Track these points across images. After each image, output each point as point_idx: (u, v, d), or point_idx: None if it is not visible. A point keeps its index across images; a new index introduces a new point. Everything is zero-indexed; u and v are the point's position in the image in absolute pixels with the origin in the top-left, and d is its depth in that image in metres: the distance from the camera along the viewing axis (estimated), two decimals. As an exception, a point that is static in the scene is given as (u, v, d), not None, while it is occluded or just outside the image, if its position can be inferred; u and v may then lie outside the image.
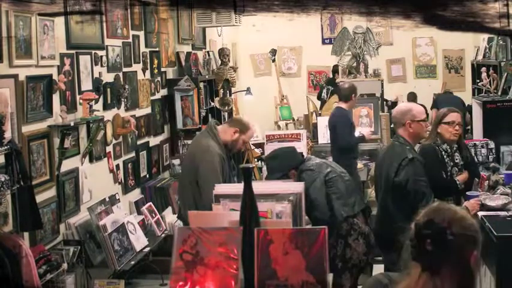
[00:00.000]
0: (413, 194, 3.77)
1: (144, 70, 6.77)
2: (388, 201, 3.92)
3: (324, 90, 9.91)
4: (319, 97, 10.02)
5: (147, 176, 6.76)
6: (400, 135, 4.03)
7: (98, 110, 5.47)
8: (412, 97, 10.44)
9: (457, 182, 4.27)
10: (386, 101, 10.25)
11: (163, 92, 7.37)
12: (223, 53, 8.64)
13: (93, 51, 5.57)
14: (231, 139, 4.46)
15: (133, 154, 6.41)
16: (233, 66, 9.21)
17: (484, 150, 5.85)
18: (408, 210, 3.78)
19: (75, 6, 4.88)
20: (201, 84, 7.85)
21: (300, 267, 2.21)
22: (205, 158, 4.28)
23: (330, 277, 2.27)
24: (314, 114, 8.50)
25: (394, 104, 10.55)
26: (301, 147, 5.35)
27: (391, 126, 7.82)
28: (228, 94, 8.72)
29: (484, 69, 8.07)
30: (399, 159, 3.84)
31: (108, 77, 5.86)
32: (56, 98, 4.91)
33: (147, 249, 5.54)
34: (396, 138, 4.06)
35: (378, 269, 4.17)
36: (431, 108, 9.38)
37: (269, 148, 5.34)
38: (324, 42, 11.33)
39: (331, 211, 4.09)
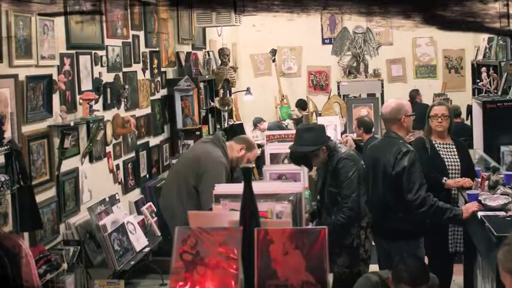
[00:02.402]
0: (407, 184, 3.94)
1: (144, 70, 6.77)
2: (387, 194, 4.07)
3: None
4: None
5: (147, 176, 6.76)
6: (391, 131, 4.19)
7: (98, 110, 5.47)
8: (415, 94, 10.42)
9: (443, 182, 4.39)
10: None
11: (163, 92, 7.37)
12: (223, 53, 8.64)
13: (93, 51, 5.57)
14: (237, 155, 4.65)
15: (133, 154, 6.41)
16: (233, 66, 9.21)
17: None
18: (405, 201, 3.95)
19: (75, 6, 4.88)
20: (201, 84, 7.85)
21: (300, 267, 2.21)
22: (213, 167, 4.42)
23: (330, 277, 2.27)
24: (314, 114, 8.50)
25: None
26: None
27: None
28: (228, 94, 8.72)
29: (484, 69, 8.07)
30: (395, 153, 4.00)
31: (108, 77, 5.86)
32: (56, 98, 4.91)
33: (147, 249, 5.54)
34: (388, 134, 4.24)
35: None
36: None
37: (269, 148, 5.32)
38: (324, 42, 11.33)
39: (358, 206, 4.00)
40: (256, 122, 9.60)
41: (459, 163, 4.54)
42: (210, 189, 4.04)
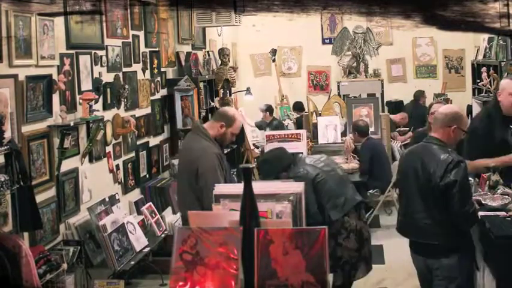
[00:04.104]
0: (459, 197, 3.59)
1: (144, 70, 6.77)
2: (434, 206, 3.71)
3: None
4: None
5: (147, 176, 6.75)
6: (435, 137, 3.82)
7: (98, 110, 5.46)
8: (419, 94, 10.43)
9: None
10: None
11: (163, 92, 7.37)
12: (223, 53, 8.64)
13: (93, 51, 5.57)
14: (218, 134, 4.44)
15: (133, 154, 6.41)
16: (233, 66, 9.22)
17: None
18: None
19: (75, 6, 4.88)
20: (201, 84, 7.85)
21: (300, 267, 2.21)
22: (203, 161, 4.27)
23: (330, 277, 2.27)
24: (314, 114, 8.50)
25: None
26: (301, 147, 5.34)
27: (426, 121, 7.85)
28: (228, 94, 8.72)
29: (484, 69, 8.07)
30: (444, 161, 3.64)
31: (108, 77, 5.86)
32: (55, 98, 4.91)
33: (147, 249, 5.54)
34: (431, 140, 3.82)
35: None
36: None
37: (269, 148, 5.33)
38: (324, 42, 11.33)
39: (322, 213, 4.08)
40: (266, 109, 9.74)
41: None
42: (207, 183, 4.04)
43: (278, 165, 4.35)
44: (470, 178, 4.03)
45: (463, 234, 3.72)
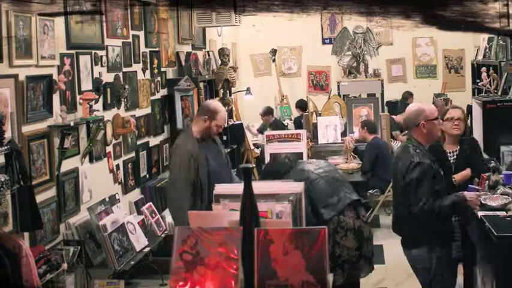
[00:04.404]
0: (413, 195, 3.83)
1: (144, 70, 6.77)
2: (402, 202, 3.98)
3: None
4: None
5: (147, 176, 6.76)
6: (413, 137, 4.00)
7: (98, 110, 5.47)
8: (408, 95, 10.45)
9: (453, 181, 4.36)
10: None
11: (163, 92, 7.37)
12: (223, 53, 8.64)
13: (93, 51, 5.57)
14: (203, 127, 4.48)
15: (133, 154, 6.41)
16: (233, 66, 9.21)
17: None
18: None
19: (75, 6, 4.87)
20: (201, 84, 7.85)
21: (300, 267, 2.21)
22: (171, 157, 4.43)
23: (330, 277, 2.27)
24: (314, 114, 8.50)
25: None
26: (301, 147, 5.33)
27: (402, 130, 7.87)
28: (228, 94, 8.72)
29: (484, 69, 8.07)
30: (408, 162, 3.87)
31: (108, 77, 5.86)
32: (56, 98, 4.91)
33: (147, 249, 5.54)
34: (409, 140, 4.01)
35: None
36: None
37: (269, 148, 5.32)
38: (324, 42, 11.34)
39: (316, 215, 4.10)
40: (265, 113, 9.68)
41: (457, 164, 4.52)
42: (173, 181, 4.12)
43: (278, 177, 4.33)
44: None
45: (429, 227, 3.89)
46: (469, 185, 4.23)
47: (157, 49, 7.15)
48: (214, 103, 4.72)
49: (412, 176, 3.82)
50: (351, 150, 7.28)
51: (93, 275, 5.03)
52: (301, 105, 10.09)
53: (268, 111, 9.85)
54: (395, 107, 10.52)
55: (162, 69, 7.34)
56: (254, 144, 9.46)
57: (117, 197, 5.63)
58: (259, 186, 2.48)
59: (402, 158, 3.98)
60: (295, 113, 10.56)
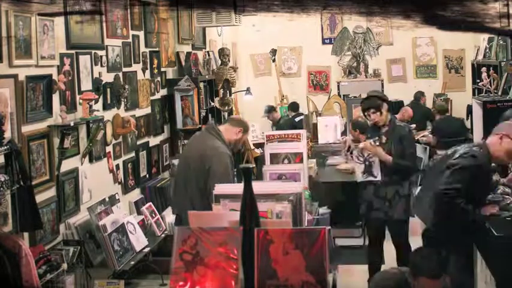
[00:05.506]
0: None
1: (144, 70, 6.77)
2: None
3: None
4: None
5: (147, 176, 6.75)
6: (482, 144, 3.86)
7: (98, 110, 5.46)
8: (419, 95, 10.39)
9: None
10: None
11: (163, 92, 7.37)
12: (223, 53, 8.64)
13: (93, 51, 5.57)
14: (235, 138, 4.60)
15: (133, 154, 6.41)
16: (233, 66, 9.21)
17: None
18: None
19: (75, 6, 4.87)
20: (201, 84, 7.85)
21: (300, 267, 2.21)
22: (217, 159, 4.35)
23: (330, 277, 2.27)
24: (314, 114, 8.50)
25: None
26: (301, 147, 5.31)
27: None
28: (228, 94, 8.72)
29: (484, 69, 8.07)
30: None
31: (108, 77, 5.86)
32: (55, 98, 4.91)
33: (147, 249, 5.54)
34: (475, 145, 3.89)
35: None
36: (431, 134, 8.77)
37: (269, 148, 5.31)
38: (324, 42, 11.33)
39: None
40: (268, 111, 9.60)
41: None
42: (220, 182, 4.07)
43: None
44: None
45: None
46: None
47: (157, 49, 7.15)
48: (245, 119, 4.95)
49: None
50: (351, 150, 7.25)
51: (93, 275, 5.03)
52: (294, 107, 10.08)
53: (271, 109, 9.81)
54: (400, 106, 10.50)
55: (162, 69, 7.34)
56: (254, 144, 9.45)
57: (117, 197, 5.63)
58: (259, 186, 2.48)
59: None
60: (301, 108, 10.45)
